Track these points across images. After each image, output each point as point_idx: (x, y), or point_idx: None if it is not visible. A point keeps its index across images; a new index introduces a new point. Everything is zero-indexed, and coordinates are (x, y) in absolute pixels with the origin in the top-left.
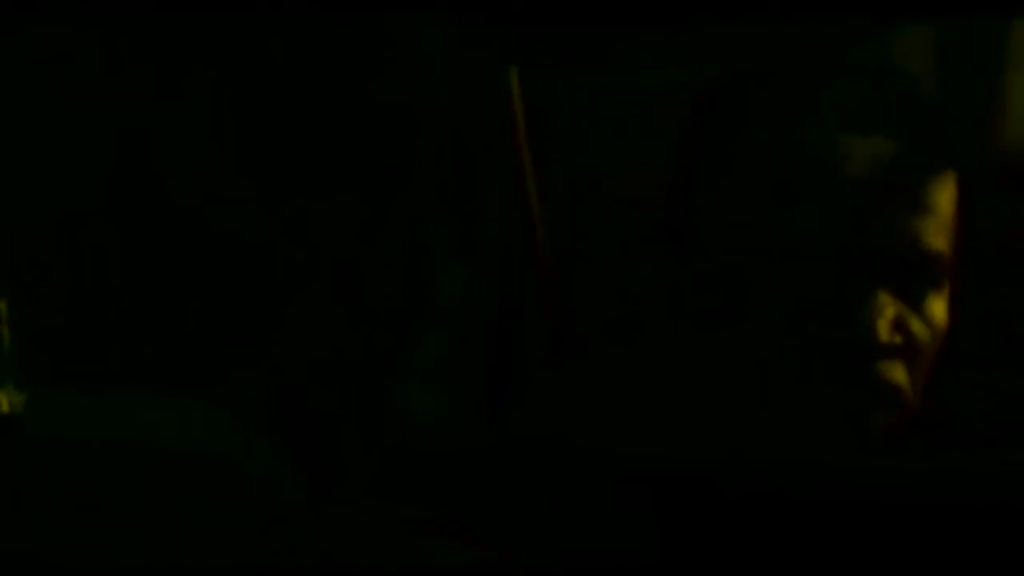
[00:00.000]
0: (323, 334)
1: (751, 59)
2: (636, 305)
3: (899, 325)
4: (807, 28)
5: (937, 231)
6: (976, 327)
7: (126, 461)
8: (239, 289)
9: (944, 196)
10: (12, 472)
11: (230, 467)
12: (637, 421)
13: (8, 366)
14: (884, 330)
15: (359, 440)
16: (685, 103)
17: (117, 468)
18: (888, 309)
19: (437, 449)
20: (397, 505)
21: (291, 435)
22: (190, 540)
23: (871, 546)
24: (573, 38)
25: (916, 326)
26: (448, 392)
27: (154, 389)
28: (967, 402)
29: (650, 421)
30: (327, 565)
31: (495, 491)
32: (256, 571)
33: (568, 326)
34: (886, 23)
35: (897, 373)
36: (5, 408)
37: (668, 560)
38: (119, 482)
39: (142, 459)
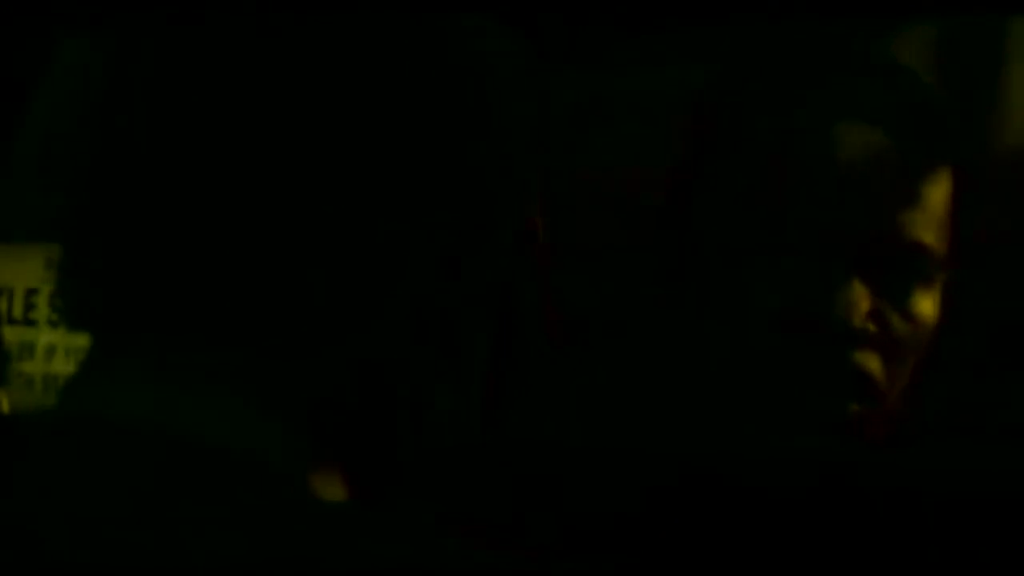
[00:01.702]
0: (360, 332)
1: (752, 59)
2: (636, 304)
3: (875, 315)
4: (807, 27)
5: (925, 225)
6: (972, 328)
7: (144, 453)
8: (257, 279)
9: (937, 191)
10: (13, 465)
11: (253, 464)
12: (637, 419)
13: (6, 365)
14: (857, 317)
15: (394, 440)
16: (685, 103)
17: (135, 460)
18: (863, 297)
19: (437, 448)
20: (420, 505)
21: (322, 433)
22: (205, 537)
23: (857, 541)
24: (574, 38)
25: (896, 320)
26: (449, 391)
27: (181, 381)
28: (960, 404)
29: (650, 419)
30: (339, 565)
31: (494, 491)
32: (269, 571)
33: (568, 325)
34: (886, 22)
35: (871, 362)
36: (5, 408)
37: (666, 558)
38: (136, 475)
39: (161, 452)
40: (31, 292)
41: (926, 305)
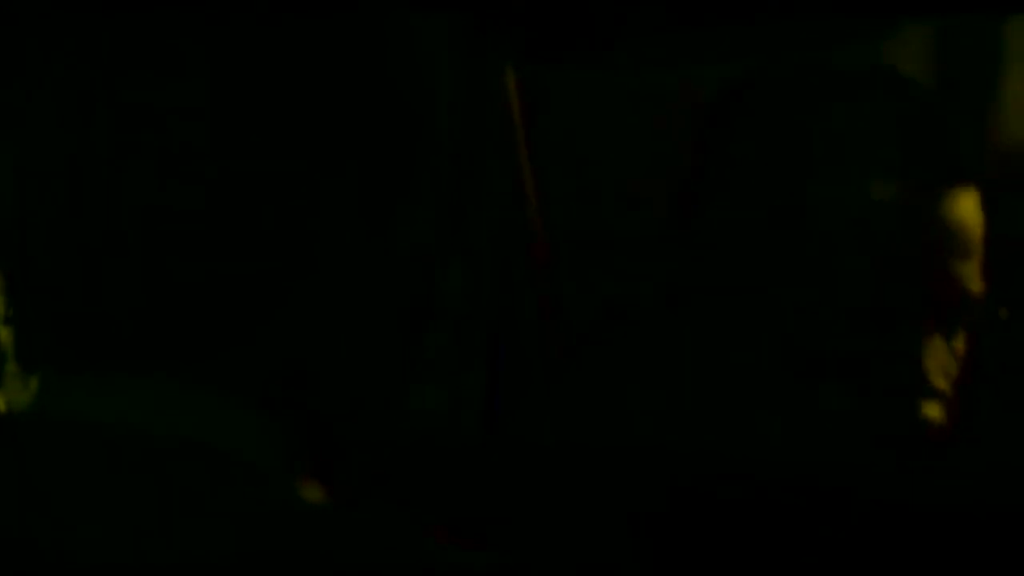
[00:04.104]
0: (329, 331)
1: (751, 58)
2: (636, 304)
3: (943, 367)
4: (806, 26)
5: (978, 273)
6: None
7: (131, 452)
8: (245, 285)
9: (979, 230)
10: (15, 463)
11: (238, 464)
12: (636, 421)
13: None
14: (936, 375)
15: (367, 438)
16: (684, 102)
17: (120, 458)
18: (939, 354)
19: (437, 449)
20: (399, 505)
21: (299, 432)
22: (191, 537)
23: (876, 549)
24: (573, 37)
25: (951, 365)
26: (448, 392)
27: (160, 376)
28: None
29: (650, 421)
30: (323, 566)
31: (494, 492)
32: (253, 571)
33: (567, 326)
34: (886, 22)
35: (935, 411)
36: (1, 408)
37: (665, 560)
38: (121, 473)
39: (148, 453)
40: None
41: (961, 342)
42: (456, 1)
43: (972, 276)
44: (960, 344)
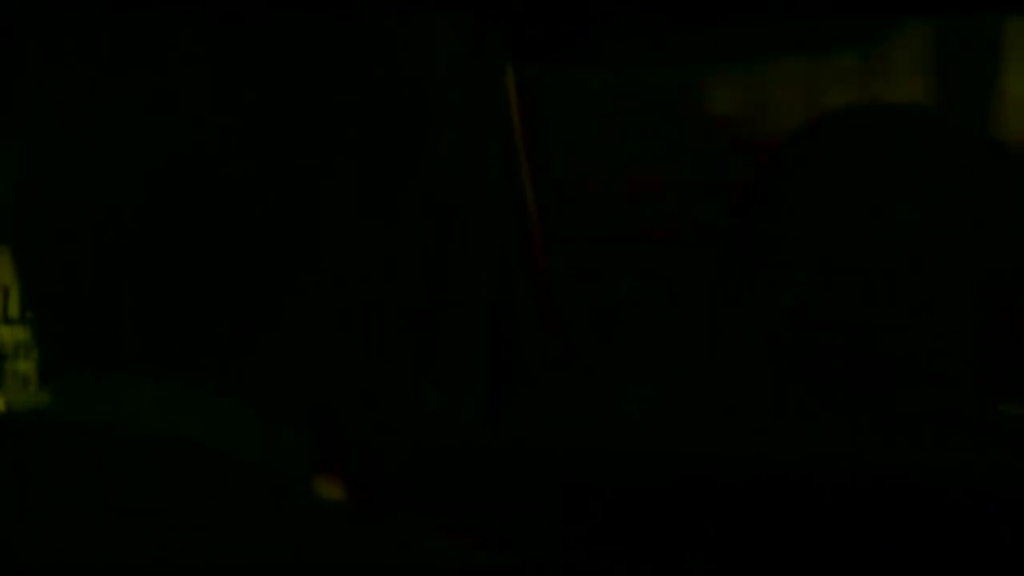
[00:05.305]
0: (332, 332)
1: (751, 59)
2: (634, 305)
3: None
4: (806, 26)
5: None
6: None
7: (133, 452)
8: (249, 286)
9: None
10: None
11: (254, 466)
12: (637, 422)
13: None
14: None
15: (369, 439)
16: (684, 103)
17: (122, 459)
18: None
19: (437, 449)
20: (400, 505)
21: (301, 433)
22: (190, 537)
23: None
24: (572, 37)
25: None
26: (448, 392)
27: (171, 379)
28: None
29: (649, 422)
30: (329, 565)
31: (494, 491)
32: (267, 571)
33: (567, 325)
34: (886, 22)
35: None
36: (2, 407)
37: (662, 559)
38: (123, 474)
39: (162, 455)
40: None
41: None
42: (456, 1)
43: None
44: None
